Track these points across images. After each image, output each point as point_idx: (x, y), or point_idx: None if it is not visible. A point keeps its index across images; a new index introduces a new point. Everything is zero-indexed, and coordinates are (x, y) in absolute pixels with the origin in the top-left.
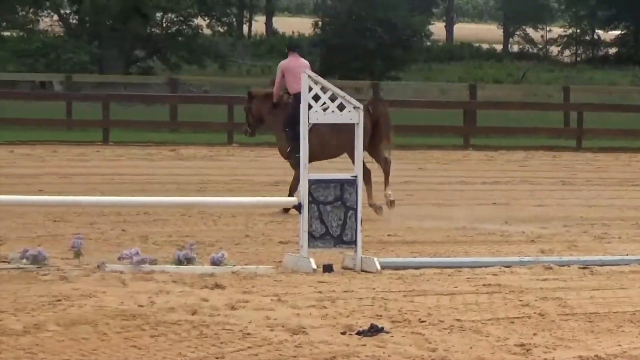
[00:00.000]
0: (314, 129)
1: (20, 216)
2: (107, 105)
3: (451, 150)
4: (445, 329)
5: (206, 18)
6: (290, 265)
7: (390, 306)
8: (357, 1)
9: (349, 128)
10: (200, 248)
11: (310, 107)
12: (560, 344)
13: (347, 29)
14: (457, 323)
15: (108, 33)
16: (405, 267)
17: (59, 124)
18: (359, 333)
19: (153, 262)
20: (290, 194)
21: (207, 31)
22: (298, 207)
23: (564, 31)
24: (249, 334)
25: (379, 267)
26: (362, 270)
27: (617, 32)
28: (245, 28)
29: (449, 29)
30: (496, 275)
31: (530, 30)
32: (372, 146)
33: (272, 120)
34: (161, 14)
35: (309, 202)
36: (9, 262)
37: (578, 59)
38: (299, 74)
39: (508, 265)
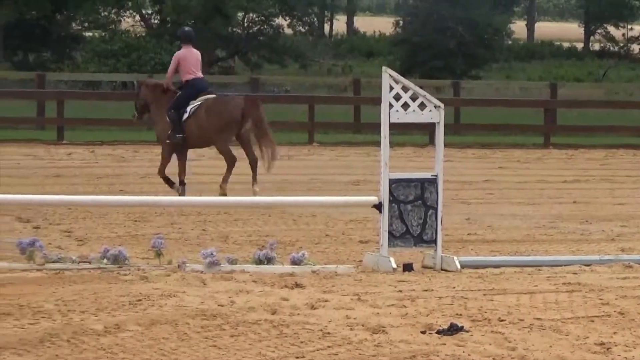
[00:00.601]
0: (193, 115)
1: (102, 216)
2: None
3: (531, 149)
4: (525, 327)
5: (287, 18)
6: (371, 265)
7: (470, 305)
8: (439, 0)
9: (221, 116)
10: (280, 247)
11: (391, 106)
12: None
13: (428, 28)
14: (537, 322)
15: None
16: (485, 266)
17: (140, 124)
18: (438, 332)
19: (233, 261)
20: (181, 181)
21: (288, 31)
22: (378, 206)
23: None
24: (328, 333)
25: (459, 266)
26: (442, 269)
27: None
28: (327, 27)
29: (530, 28)
30: (576, 273)
31: (611, 29)
32: (242, 141)
33: (156, 106)
34: (242, 13)
35: (390, 202)
36: (89, 262)
37: None
38: (192, 64)
39: (588, 264)
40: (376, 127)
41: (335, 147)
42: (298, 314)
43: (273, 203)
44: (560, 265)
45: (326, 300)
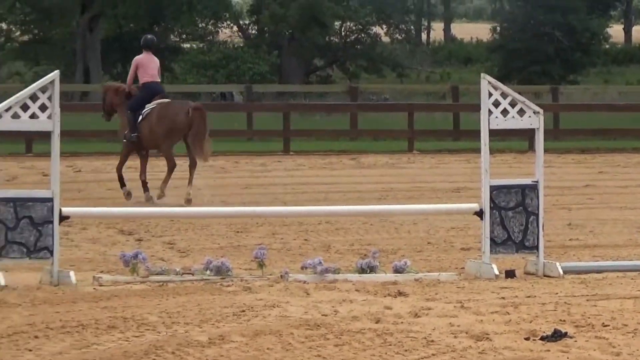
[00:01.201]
0: (146, 117)
1: (203, 227)
2: (288, 115)
3: (632, 153)
4: (629, 332)
5: (384, 26)
6: (473, 272)
7: (574, 311)
8: (536, 6)
9: (168, 122)
10: (382, 256)
11: (490, 112)
12: None
13: (525, 34)
14: None
15: (287, 43)
16: (587, 272)
17: (240, 135)
18: (542, 338)
19: (336, 271)
20: (143, 181)
21: (385, 39)
22: (479, 213)
23: None
24: (432, 341)
25: (561, 272)
26: (545, 275)
27: None
28: (424, 35)
29: (628, 31)
30: None
31: None
32: (187, 145)
33: (120, 109)
34: (340, 22)
35: (491, 208)
36: (193, 274)
37: None
38: (150, 68)
39: None
40: (476, 134)
41: (435, 155)
42: (402, 322)
43: (375, 211)
44: None
45: (429, 308)
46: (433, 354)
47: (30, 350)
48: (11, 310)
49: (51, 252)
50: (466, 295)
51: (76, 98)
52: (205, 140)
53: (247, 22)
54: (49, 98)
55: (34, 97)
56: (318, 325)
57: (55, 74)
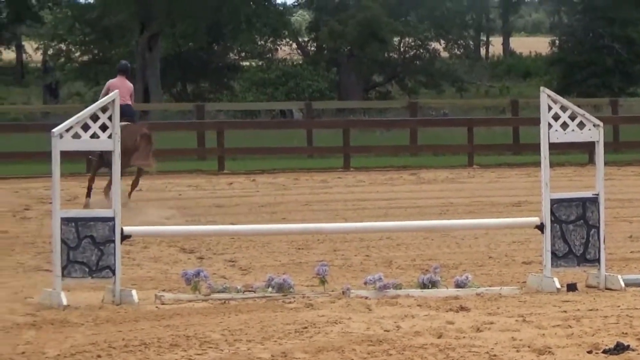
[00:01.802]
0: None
1: (265, 245)
2: (347, 131)
3: None
4: None
5: (443, 41)
6: (534, 285)
7: (636, 323)
8: (594, 18)
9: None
10: (443, 271)
11: (550, 126)
12: None
13: (584, 47)
14: None
15: (346, 59)
16: None
17: (300, 152)
18: (605, 352)
19: (397, 286)
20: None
21: (444, 54)
22: (540, 227)
23: None
24: (495, 355)
25: (623, 285)
26: (606, 288)
27: None
28: (482, 50)
29: None
30: None
31: None
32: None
33: None
34: (398, 38)
35: (552, 222)
36: (254, 291)
37: None
38: (123, 92)
39: None
40: (535, 148)
41: (495, 169)
42: (464, 337)
43: (435, 226)
44: None
45: (491, 323)
46: None
47: None
48: (74, 329)
49: (113, 271)
50: (528, 309)
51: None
52: (147, 162)
53: (305, 39)
54: (110, 117)
55: (94, 117)
56: (380, 341)
57: (115, 94)
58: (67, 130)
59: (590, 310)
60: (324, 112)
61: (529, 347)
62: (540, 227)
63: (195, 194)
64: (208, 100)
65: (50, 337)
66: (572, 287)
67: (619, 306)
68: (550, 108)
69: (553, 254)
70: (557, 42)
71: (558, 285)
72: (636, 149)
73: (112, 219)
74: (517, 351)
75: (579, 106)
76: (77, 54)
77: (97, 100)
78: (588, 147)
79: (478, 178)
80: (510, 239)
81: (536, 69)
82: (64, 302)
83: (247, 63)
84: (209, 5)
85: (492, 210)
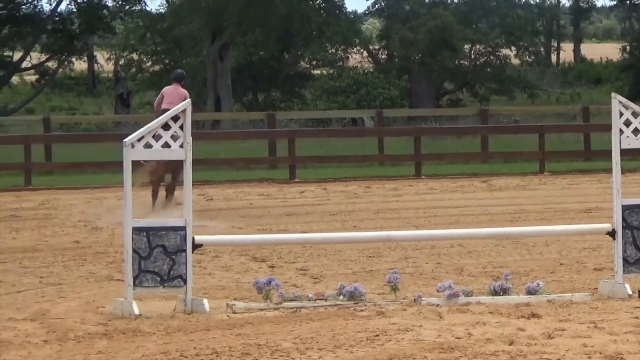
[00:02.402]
0: None
1: (336, 253)
2: (419, 139)
3: None
4: None
5: (514, 48)
6: (606, 292)
7: None
8: None
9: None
10: (515, 278)
11: (621, 132)
12: None
13: None
14: None
15: (417, 67)
16: None
17: (371, 160)
18: None
19: (469, 293)
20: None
21: (515, 61)
22: (612, 233)
23: None
24: None
25: None
26: None
27: None
28: (553, 56)
29: None
30: None
31: None
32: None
33: None
34: (469, 45)
35: (623, 228)
36: (325, 300)
37: None
38: (171, 97)
39: None
40: (607, 154)
41: (566, 176)
42: (535, 344)
43: (507, 233)
44: None
45: (563, 329)
46: None
47: None
48: (146, 338)
49: (184, 281)
50: (599, 316)
51: (207, 126)
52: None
53: (376, 47)
54: (181, 127)
55: (166, 127)
56: (452, 348)
57: (186, 103)
58: (139, 140)
59: None
60: (394, 120)
61: (600, 353)
62: (612, 234)
63: (267, 203)
64: (279, 109)
65: (122, 347)
66: None
67: None
68: (621, 114)
69: (624, 260)
70: (628, 48)
71: (630, 292)
72: None
73: (184, 228)
74: (589, 358)
75: None
76: (149, 63)
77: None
78: None
79: (549, 185)
80: (582, 245)
81: (607, 75)
82: (136, 311)
83: (318, 71)
84: (280, 14)
85: (564, 216)
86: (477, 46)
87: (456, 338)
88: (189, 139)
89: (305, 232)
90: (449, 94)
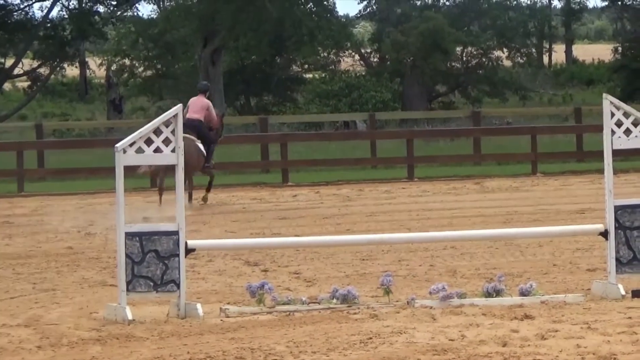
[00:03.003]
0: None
1: (329, 256)
2: (411, 141)
3: None
4: None
5: (505, 50)
6: (599, 293)
7: None
8: None
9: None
10: (508, 279)
11: (613, 133)
12: None
13: None
14: None
15: (409, 70)
16: None
17: (364, 163)
18: None
19: (462, 295)
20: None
21: (507, 63)
22: (604, 233)
23: None
24: None
25: None
26: None
27: None
28: (545, 58)
29: None
30: None
31: None
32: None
33: None
34: (461, 48)
35: (616, 228)
36: (319, 303)
37: None
38: (193, 107)
39: None
40: (599, 155)
41: (559, 177)
42: (529, 345)
43: (500, 235)
44: None
45: (556, 330)
46: None
47: None
48: (139, 343)
49: (178, 285)
50: (593, 316)
51: None
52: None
53: (368, 50)
54: (173, 132)
55: (157, 132)
56: (445, 350)
57: (178, 108)
58: (131, 145)
59: None
60: (387, 123)
61: (594, 354)
62: (604, 234)
63: (260, 207)
64: (271, 113)
65: (116, 352)
66: (637, 294)
67: None
68: (613, 114)
69: (617, 260)
70: (620, 48)
71: (623, 292)
72: None
73: (177, 233)
74: (582, 358)
75: None
76: (141, 69)
77: (161, 114)
78: None
79: (542, 186)
80: (575, 246)
81: (599, 77)
82: (129, 316)
83: (310, 75)
84: (271, 18)
85: (556, 218)
86: (469, 48)
87: (449, 340)
88: (181, 143)
89: (298, 236)
90: (441, 97)
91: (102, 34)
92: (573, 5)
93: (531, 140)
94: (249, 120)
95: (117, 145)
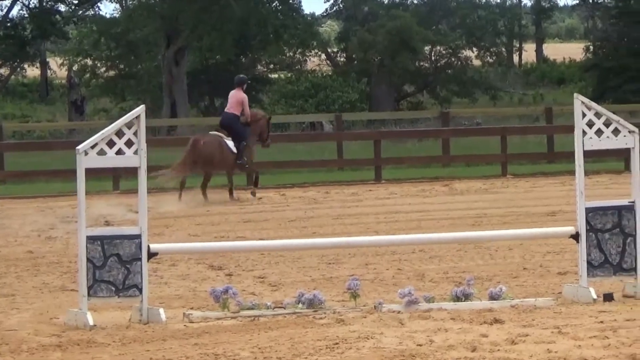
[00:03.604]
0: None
1: (295, 260)
2: (379, 142)
3: None
4: None
5: (475, 49)
6: (570, 296)
7: None
8: (629, 23)
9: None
10: (477, 283)
11: (584, 133)
12: None
13: (619, 52)
14: None
15: (376, 69)
16: None
17: (331, 165)
18: None
19: (430, 299)
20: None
21: (476, 62)
22: (575, 236)
23: None
24: None
25: None
26: None
27: None
28: (515, 57)
29: None
30: None
31: None
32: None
33: None
34: (429, 47)
35: (587, 231)
36: (284, 308)
37: None
38: (231, 102)
39: None
40: (571, 156)
41: (529, 178)
42: (498, 350)
43: (469, 238)
44: None
45: (526, 335)
46: None
47: None
48: (101, 350)
49: (140, 290)
50: (563, 321)
51: (163, 132)
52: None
53: (335, 50)
54: (135, 133)
55: (119, 133)
56: (413, 356)
57: (140, 109)
58: (92, 147)
59: (628, 320)
60: (354, 124)
61: (564, 359)
62: (576, 237)
63: (224, 210)
64: None
65: (76, 358)
66: (608, 297)
67: None
68: (584, 115)
69: (589, 263)
70: (591, 47)
71: (594, 296)
72: None
73: (139, 237)
74: None
75: (614, 112)
76: (103, 69)
77: (124, 116)
78: (624, 154)
79: (512, 188)
80: (545, 249)
81: (570, 76)
82: (90, 322)
83: (276, 75)
84: (235, 17)
85: (527, 220)
86: (438, 47)
87: (418, 345)
88: (144, 145)
89: (263, 239)
90: (410, 97)
91: (64, 33)
92: (543, 4)
93: (501, 141)
94: (214, 121)
95: (78, 147)
